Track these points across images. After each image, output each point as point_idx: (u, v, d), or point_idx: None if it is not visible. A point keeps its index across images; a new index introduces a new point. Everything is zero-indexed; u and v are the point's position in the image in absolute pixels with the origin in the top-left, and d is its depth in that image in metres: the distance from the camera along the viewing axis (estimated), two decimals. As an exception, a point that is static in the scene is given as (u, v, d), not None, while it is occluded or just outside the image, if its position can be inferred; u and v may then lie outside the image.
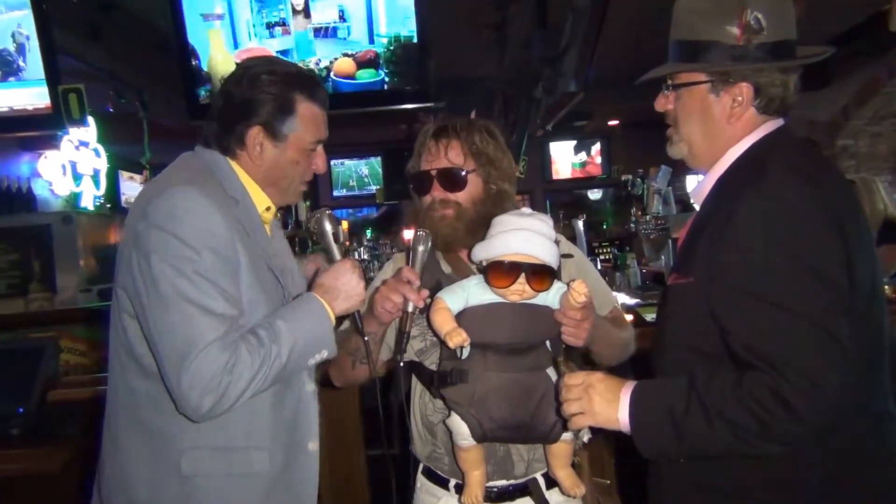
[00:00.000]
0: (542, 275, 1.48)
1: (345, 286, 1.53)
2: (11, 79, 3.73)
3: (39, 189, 7.20)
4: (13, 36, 3.62)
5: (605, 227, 10.09)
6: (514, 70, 5.38)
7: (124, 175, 8.25)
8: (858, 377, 1.19)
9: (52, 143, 6.71)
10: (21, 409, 2.62)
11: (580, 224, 7.49)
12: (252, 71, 1.53)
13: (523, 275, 1.47)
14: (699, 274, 1.30)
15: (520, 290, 1.48)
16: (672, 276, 1.40)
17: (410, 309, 1.56)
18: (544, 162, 10.57)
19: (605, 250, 7.55)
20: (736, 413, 1.19)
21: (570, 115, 6.04)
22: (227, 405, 1.36)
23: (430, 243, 1.60)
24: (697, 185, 1.45)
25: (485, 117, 6.46)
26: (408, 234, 1.70)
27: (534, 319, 1.52)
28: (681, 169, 9.64)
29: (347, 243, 1.74)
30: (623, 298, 4.17)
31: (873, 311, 1.29)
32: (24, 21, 3.63)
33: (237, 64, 1.59)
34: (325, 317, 1.50)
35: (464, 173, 1.66)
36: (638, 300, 3.78)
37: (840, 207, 1.26)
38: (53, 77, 3.67)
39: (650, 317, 2.85)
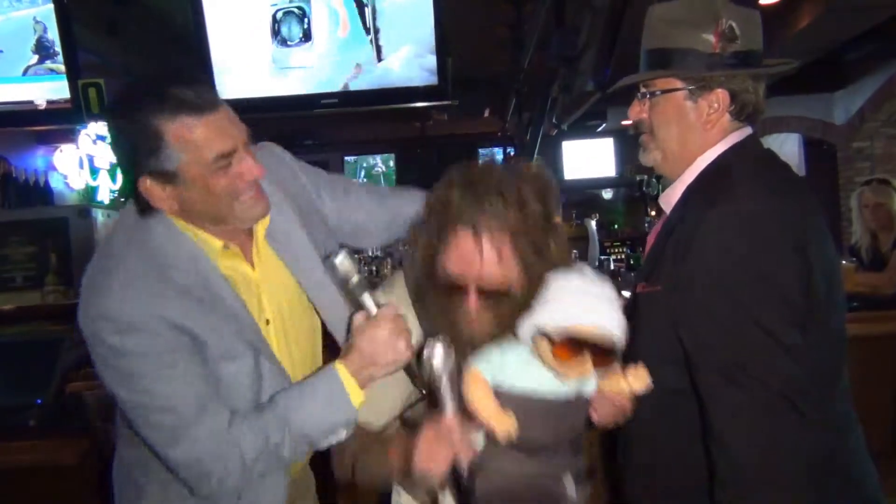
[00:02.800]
0: (612, 354, 1.19)
1: (383, 352, 1.26)
2: (32, 73, 3.75)
3: (55, 182, 7.26)
4: (34, 30, 3.65)
5: (616, 227, 10.08)
6: (529, 68, 5.38)
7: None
8: (821, 384, 1.25)
9: (67, 136, 6.77)
10: (39, 401, 2.65)
11: (593, 224, 7.52)
12: (109, 117, 1.35)
13: (589, 352, 1.17)
14: (665, 282, 1.31)
15: (583, 370, 1.18)
16: (640, 284, 1.40)
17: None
18: (557, 161, 10.55)
19: (617, 250, 7.57)
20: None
21: (585, 115, 6.04)
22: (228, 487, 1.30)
23: (453, 356, 1.19)
24: (667, 192, 1.46)
25: (498, 115, 6.48)
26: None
27: (572, 413, 1.27)
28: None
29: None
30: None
31: (832, 320, 1.31)
32: (44, 16, 3.66)
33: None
34: (344, 403, 1.28)
35: (511, 289, 1.29)
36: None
37: (801, 219, 1.29)
38: (74, 71, 3.70)
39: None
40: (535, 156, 6.04)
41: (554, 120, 4.37)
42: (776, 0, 4.51)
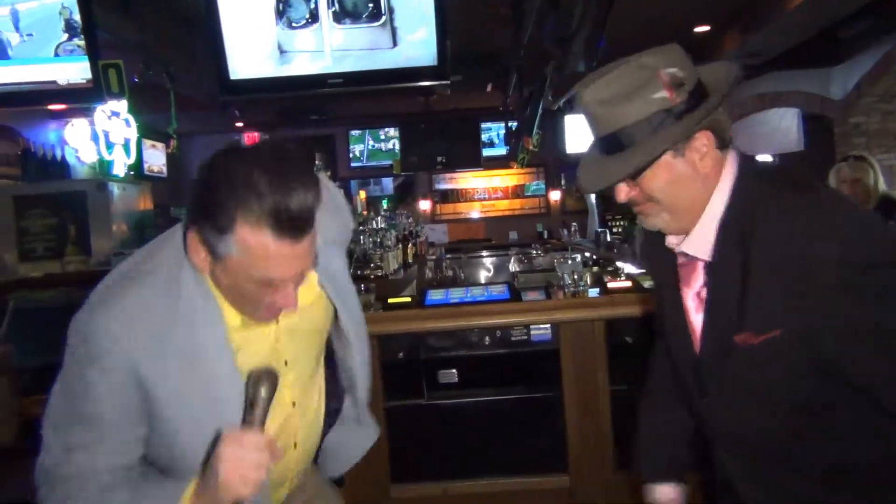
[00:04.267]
0: None
1: (223, 469, 1.20)
2: (62, 50, 3.95)
3: (70, 156, 7.47)
4: (60, 14, 3.84)
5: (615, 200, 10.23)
6: (529, 45, 5.51)
7: (147, 143, 8.50)
8: None
9: (78, 111, 6.95)
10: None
11: (593, 198, 7.69)
12: (222, 160, 1.23)
13: None
14: (789, 325, 1.26)
15: None
16: (740, 335, 1.32)
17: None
18: (559, 135, 10.67)
19: (617, 223, 7.74)
20: None
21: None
22: None
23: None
24: (690, 240, 1.41)
25: (500, 90, 6.62)
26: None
27: None
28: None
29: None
30: (630, 268, 4.38)
31: None
32: (70, 2, 3.85)
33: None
34: None
35: None
36: (642, 270, 3.96)
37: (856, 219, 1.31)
38: (94, 52, 3.88)
39: (648, 283, 3.04)
40: (535, 130, 6.21)
41: (549, 97, 4.53)
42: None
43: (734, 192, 1.36)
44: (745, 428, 1.42)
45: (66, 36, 3.84)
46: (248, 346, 1.39)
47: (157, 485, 1.32)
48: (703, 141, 1.34)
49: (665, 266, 1.54)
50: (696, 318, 1.46)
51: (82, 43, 3.83)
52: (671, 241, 1.47)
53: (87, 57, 3.83)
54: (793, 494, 1.42)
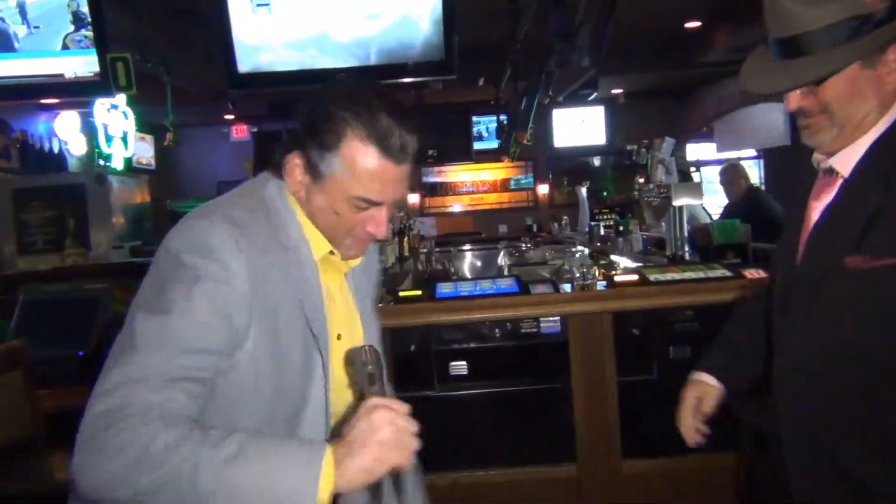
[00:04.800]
0: None
1: (385, 435, 1.05)
2: (69, 41, 3.93)
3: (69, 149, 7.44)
4: (68, 5, 3.82)
5: (605, 194, 10.32)
6: (525, 40, 5.54)
7: (135, 136, 8.45)
8: None
9: (68, 103, 6.90)
10: (80, 353, 2.89)
11: (583, 191, 7.75)
12: (333, 90, 1.26)
13: None
14: None
15: None
16: (853, 258, 1.24)
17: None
18: (547, 128, 10.73)
19: (606, 217, 7.80)
20: None
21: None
22: (100, 477, 1.04)
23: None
24: (843, 154, 1.33)
25: (493, 84, 6.64)
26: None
27: None
28: (681, 142, 9.75)
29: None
30: (626, 262, 4.44)
31: None
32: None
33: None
34: (307, 485, 1.02)
35: None
36: (640, 263, 4.03)
37: None
38: (103, 45, 3.87)
39: (654, 276, 3.10)
40: (530, 124, 6.25)
41: (550, 92, 4.57)
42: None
43: None
44: (816, 363, 1.34)
45: (73, 27, 3.82)
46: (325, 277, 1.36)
47: (279, 448, 1.07)
48: (893, 58, 1.26)
49: (806, 184, 1.46)
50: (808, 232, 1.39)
51: (90, 33, 3.82)
52: (818, 155, 1.40)
53: (94, 50, 3.82)
54: (842, 467, 1.32)
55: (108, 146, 6.79)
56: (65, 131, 7.20)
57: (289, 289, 1.25)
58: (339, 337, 1.38)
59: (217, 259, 1.16)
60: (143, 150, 8.78)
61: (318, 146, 1.22)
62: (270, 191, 1.31)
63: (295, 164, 1.27)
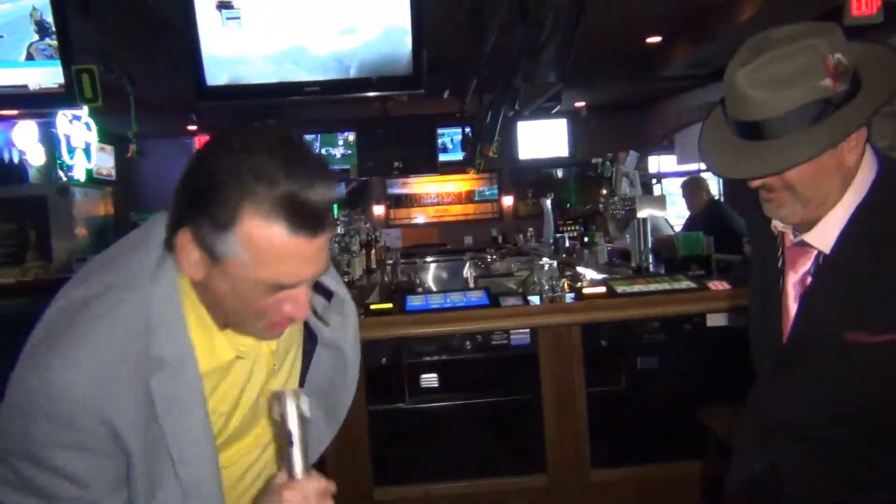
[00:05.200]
0: None
1: None
2: (34, 49, 3.87)
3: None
4: (31, 17, 3.76)
5: (569, 205, 10.44)
6: (491, 53, 5.59)
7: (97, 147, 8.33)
8: None
9: (25, 113, 6.77)
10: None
11: (548, 203, 7.84)
12: (217, 141, 1.03)
13: None
14: None
15: None
16: (852, 334, 1.27)
17: None
18: (512, 141, 10.84)
19: (570, 228, 7.90)
20: None
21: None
22: None
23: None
24: (817, 230, 1.34)
25: (458, 97, 6.67)
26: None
27: None
28: (643, 154, 9.90)
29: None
30: (591, 273, 4.51)
31: None
32: (41, 5, 3.78)
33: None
34: None
35: None
36: (605, 275, 4.09)
37: None
38: (67, 56, 3.81)
39: (621, 288, 3.15)
40: (496, 137, 6.31)
41: (516, 106, 4.63)
42: None
43: (874, 190, 1.29)
44: (807, 423, 1.38)
45: (37, 36, 3.77)
46: (220, 387, 1.18)
47: None
48: (856, 137, 1.27)
49: (766, 242, 1.48)
50: (794, 305, 1.40)
51: (54, 42, 3.76)
52: (778, 225, 1.41)
53: (59, 61, 3.77)
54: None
55: (71, 157, 6.68)
56: (23, 141, 7.05)
57: (154, 414, 1.06)
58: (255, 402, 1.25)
59: (69, 425, 0.99)
60: (104, 161, 8.65)
61: (211, 224, 0.98)
62: (161, 288, 1.06)
63: (185, 241, 1.02)
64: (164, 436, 1.06)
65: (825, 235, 1.33)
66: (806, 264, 1.39)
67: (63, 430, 0.99)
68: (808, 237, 1.36)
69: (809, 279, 1.38)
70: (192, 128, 9.48)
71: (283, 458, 1.06)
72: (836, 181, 1.29)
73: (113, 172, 8.80)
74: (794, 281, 1.41)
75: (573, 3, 3.51)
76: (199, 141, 9.86)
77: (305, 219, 0.98)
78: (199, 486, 1.09)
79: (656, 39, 7.87)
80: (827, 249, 1.34)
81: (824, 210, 1.32)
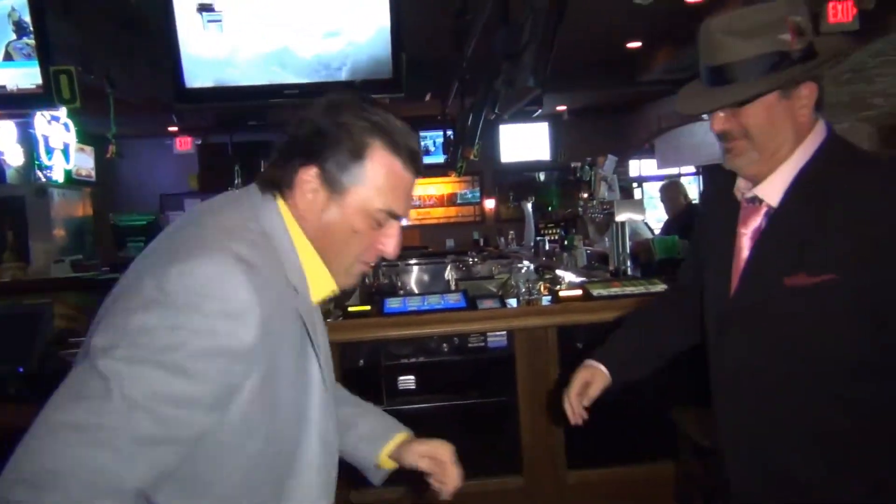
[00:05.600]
0: None
1: None
2: (12, 48, 3.85)
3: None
4: (9, 14, 3.74)
5: (550, 209, 10.49)
6: (473, 56, 5.61)
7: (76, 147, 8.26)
8: None
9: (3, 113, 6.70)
10: (21, 369, 2.82)
11: (529, 206, 7.87)
12: (338, 101, 1.19)
13: None
14: (846, 269, 1.31)
15: None
16: (791, 277, 1.37)
17: None
18: (493, 144, 10.88)
19: (551, 231, 7.94)
20: None
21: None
22: None
23: None
24: (764, 186, 1.47)
25: (440, 99, 6.68)
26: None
27: None
28: (623, 158, 9.95)
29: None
30: (570, 277, 4.54)
31: None
32: (20, 6, 3.75)
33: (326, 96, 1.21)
34: None
35: None
36: (584, 278, 4.13)
37: None
38: (46, 58, 3.79)
39: (597, 291, 3.18)
40: (477, 140, 6.34)
41: (496, 110, 4.65)
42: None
43: (820, 150, 1.43)
44: (760, 373, 1.45)
45: (15, 35, 3.74)
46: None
47: None
48: (807, 92, 1.41)
49: (727, 210, 1.59)
50: (743, 258, 1.51)
51: (32, 41, 3.74)
52: (741, 185, 1.54)
53: (37, 62, 3.75)
54: (778, 464, 1.45)
55: (49, 158, 6.63)
56: (1, 142, 6.99)
57: (293, 335, 1.15)
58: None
59: (232, 314, 1.01)
60: (84, 162, 8.58)
61: (339, 156, 1.15)
62: (271, 219, 1.17)
63: (310, 177, 1.16)
64: (316, 357, 1.19)
65: (773, 190, 1.46)
66: (757, 220, 1.50)
67: (218, 319, 1.00)
68: (757, 190, 1.48)
69: (758, 234, 1.50)
70: (173, 129, 9.44)
71: None
72: (789, 134, 1.43)
73: (92, 173, 8.73)
74: (746, 237, 1.52)
75: (553, 8, 3.53)
76: (180, 142, 9.81)
77: (415, 161, 1.21)
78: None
79: (637, 44, 7.95)
80: (774, 203, 1.46)
81: (776, 162, 1.44)
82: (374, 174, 1.17)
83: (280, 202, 1.20)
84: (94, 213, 7.22)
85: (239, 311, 1.01)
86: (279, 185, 1.19)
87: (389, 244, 1.24)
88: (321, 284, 1.23)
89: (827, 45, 1.44)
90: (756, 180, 1.49)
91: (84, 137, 8.16)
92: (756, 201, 1.51)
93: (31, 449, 0.91)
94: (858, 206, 1.32)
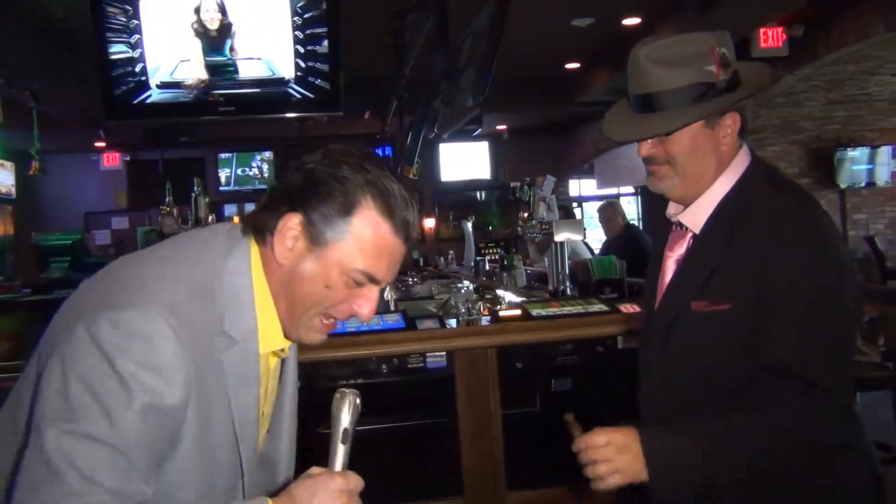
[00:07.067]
0: None
1: None
2: None
3: None
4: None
5: (490, 228, 10.56)
6: (412, 76, 5.62)
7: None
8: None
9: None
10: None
11: (469, 226, 7.89)
12: (339, 152, 1.17)
13: None
14: (740, 303, 1.37)
15: None
16: (696, 303, 1.43)
17: None
18: (433, 163, 10.89)
19: (492, 251, 7.99)
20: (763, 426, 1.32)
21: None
22: None
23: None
24: (689, 212, 1.52)
25: (379, 117, 6.66)
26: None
27: None
28: (563, 178, 10.12)
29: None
30: (510, 296, 4.54)
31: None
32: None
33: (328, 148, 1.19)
34: None
35: None
36: (523, 298, 4.13)
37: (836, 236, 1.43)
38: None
39: (536, 311, 3.18)
40: (416, 159, 6.32)
41: (435, 129, 4.65)
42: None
43: (742, 178, 1.48)
44: (673, 391, 1.52)
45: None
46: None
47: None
48: (731, 122, 1.45)
49: (661, 233, 1.66)
50: (666, 281, 1.57)
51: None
52: (670, 209, 1.59)
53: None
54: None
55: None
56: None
57: (224, 388, 1.14)
58: (262, 413, 1.30)
59: (158, 370, 1.01)
60: (4, 178, 8.24)
61: (327, 209, 1.13)
62: (235, 262, 1.17)
63: (292, 224, 1.14)
64: (230, 407, 1.14)
65: (696, 217, 1.51)
66: (683, 246, 1.56)
67: (146, 373, 1.01)
68: (682, 217, 1.54)
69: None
70: (100, 144, 9.14)
71: (330, 452, 1.14)
72: (712, 161, 1.48)
73: (13, 190, 8.38)
74: (672, 259, 1.59)
75: (492, 29, 3.56)
76: (108, 157, 9.50)
77: (404, 227, 1.16)
78: (248, 463, 1.20)
79: (575, 65, 8.10)
80: (697, 230, 1.51)
81: (699, 188, 1.50)
82: (360, 233, 1.14)
83: (254, 247, 1.19)
84: (15, 232, 6.91)
85: (169, 372, 1.03)
86: (262, 229, 1.18)
87: (365, 306, 1.20)
88: (276, 336, 1.21)
89: (750, 73, 1.50)
90: (683, 203, 1.54)
91: (4, 153, 7.83)
92: (683, 227, 1.56)
93: None
94: (756, 242, 1.37)
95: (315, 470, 1.12)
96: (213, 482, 1.15)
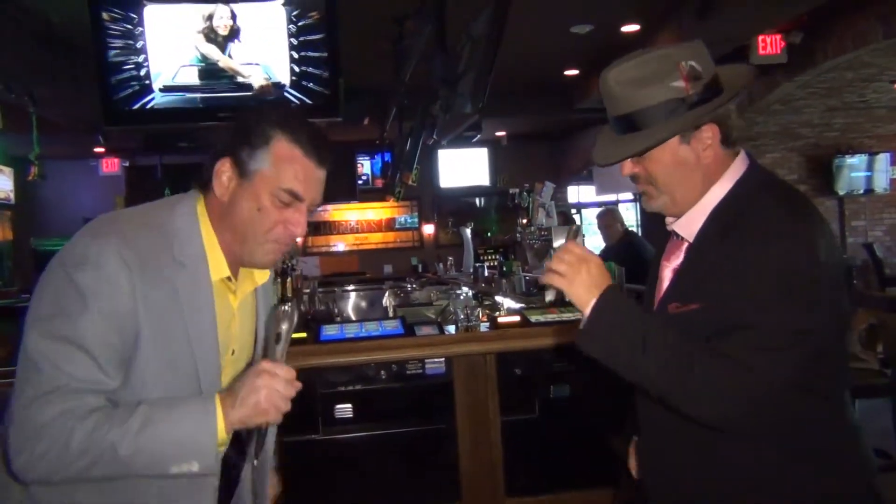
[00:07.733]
0: None
1: (263, 406, 1.27)
2: None
3: None
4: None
5: (489, 234, 10.55)
6: (411, 82, 5.62)
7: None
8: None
9: None
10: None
11: (468, 232, 7.88)
12: (258, 107, 1.45)
13: None
14: (708, 301, 1.39)
15: None
16: (672, 304, 1.46)
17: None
18: (432, 169, 10.89)
19: (490, 257, 7.96)
20: (697, 357, 1.32)
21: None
22: (38, 474, 1.22)
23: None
24: (683, 221, 1.52)
25: (378, 123, 6.66)
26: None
27: None
28: (562, 184, 10.12)
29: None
30: (509, 303, 4.53)
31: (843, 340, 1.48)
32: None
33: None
34: (208, 425, 1.25)
35: None
36: (522, 304, 4.12)
37: (823, 241, 1.37)
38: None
39: (535, 318, 3.18)
40: (415, 165, 6.32)
41: (434, 135, 4.65)
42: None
43: (736, 185, 1.47)
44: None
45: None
46: (220, 302, 1.43)
47: (176, 404, 1.28)
48: (709, 134, 1.43)
49: (661, 242, 1.68)
50: (663, 289, 1.57)
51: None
52: (668, 220, 1.59)
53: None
54: (682, 488, 1.55)
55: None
56: None
57: (177, 308, 1.33)
58: (232, 352, 1.48)
59: (106, 281, 1.24)
60: (2, 183, 8.23)
61: (248, 147, 1.36)
62: (182, 206, 1.40)
63: (224, 167, 1.37)
64: (187, 331, 1.33)
65: (690, 227, 1.51)
66: (679, 256, 1.56)
67: (94, 280, 1.24)
68: (676, 226, 1.55)
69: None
70: (99, 150, 9.13)
71: (268, 351, 1.37)
72: (696, 176, 1.47)
73: (12, 196, 8.36)
74: (668, 268, 1.59)
75: (491, 36, 3.56)
76: (107, 163, 9.48)
77: (315, 150, 1.38)
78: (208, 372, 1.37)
79: (574, 72, 8.10)
80: (691, 239, 1.52)
81: (688, 203, 1.50)
82: (277, 158, 1.36)
83: (199, 197, 1.42)
84: (14, 237, 6.89)
85: (111, 276, 1.24)
86: (206, 181, 1.40)
87: (296, 227, 1.39)
88: (222, 265, 1.41)
89: (731, 77, 1.48)
90: (679, 216, 1.54)
91: (2, 158, 7.83)
92: (679, 236, 1.56)
93: (17, 412, 1.22)
94: (736, 247, 1.36)
95: (252, 370, 1.31)
96: (176, 384, 1.34)
